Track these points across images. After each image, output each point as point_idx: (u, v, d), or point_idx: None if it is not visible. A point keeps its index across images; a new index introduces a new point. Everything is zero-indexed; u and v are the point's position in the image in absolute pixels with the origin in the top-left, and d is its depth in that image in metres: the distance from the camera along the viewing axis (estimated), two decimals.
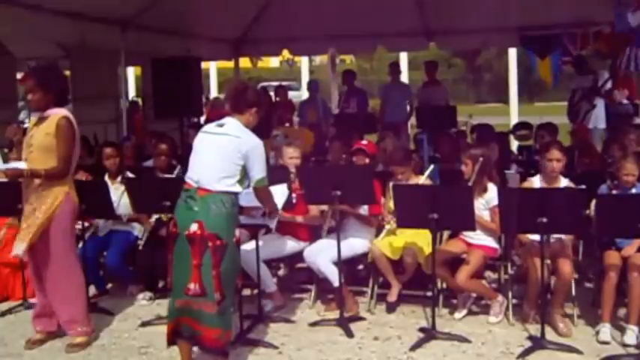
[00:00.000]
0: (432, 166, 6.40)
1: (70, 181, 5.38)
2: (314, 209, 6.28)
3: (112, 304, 6.35)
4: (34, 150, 5.27)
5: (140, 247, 6.30)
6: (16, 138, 5.39)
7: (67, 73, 11.82)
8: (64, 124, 5.26)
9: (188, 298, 4.68)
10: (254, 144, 4.82)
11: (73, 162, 5.36)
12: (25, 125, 5.58)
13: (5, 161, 6.13)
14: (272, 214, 5.37)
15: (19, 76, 14.02)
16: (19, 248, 5.26)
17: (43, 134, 5.26)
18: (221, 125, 4.90)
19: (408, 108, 11.91)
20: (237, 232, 4.84)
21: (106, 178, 6.64)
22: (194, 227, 4.67)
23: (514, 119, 16.09)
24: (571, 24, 11.27)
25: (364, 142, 7.38)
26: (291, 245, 6.27)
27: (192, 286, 4.66)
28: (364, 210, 6.24)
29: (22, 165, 5.26)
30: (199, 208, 4.69)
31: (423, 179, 6.16)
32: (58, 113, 5.31)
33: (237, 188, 4.79)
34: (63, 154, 5.26)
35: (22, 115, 5.13)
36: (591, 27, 11.14)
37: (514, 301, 5.90)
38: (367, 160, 6.82)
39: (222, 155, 4.75)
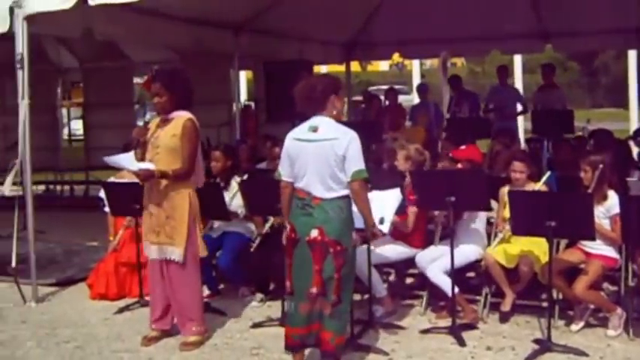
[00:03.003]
0: (548, 173, 6.24)
1: (194, 183, 5.56)
2: None
3: (225, 305, 6.48)
4: (161, 151, 5.46)
5: (252, 249, 6.41)
6: (142, 138, 5.59)
7: None
8: (190, 126, 5.44)
9: (310, 301, 4.75)
10: (349, 138, 4.70)
11: (197, 163, 5.54)
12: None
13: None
14: (366, 217, 4.90)
15: (136, 80, 14.63)
16: (177, 255, 5.42)
17: (169, 136, 5.45)
18: (314, 129, 4.79)
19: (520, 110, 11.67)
20: (354, 235, 4.86)
21: (218, 179, 6.78)
22: (314, 233, 4.70)
23: (634, 124, 15.50)
24: None
25: (463, 147, 7.26)
26: (402, 251, 6.24)
27: (314, 290, 4.72)
28: (480, 220, 6.15)
29: (151, 165, 5.46)
30: (318, 214, 4.72)
31: (539, 185, 6.02)
32: (183, 115, 5.49)
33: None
34: (188, 155, 5.43)
35: (147, 117, 5.36)
36: None
37: (635, 314, 5.70)
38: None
39: (325, 163, 4.70)
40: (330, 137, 4.72)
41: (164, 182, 5.44)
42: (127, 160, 5.52)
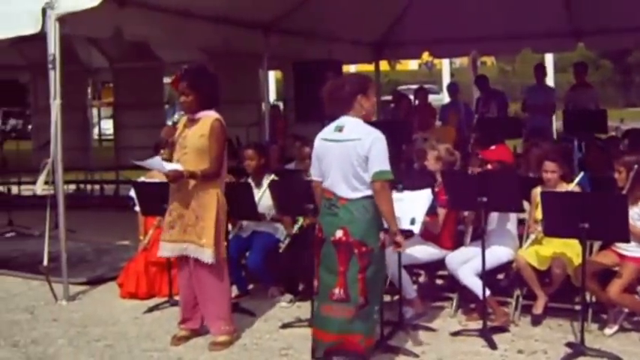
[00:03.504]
0: (582, 173, 6.17)
1: (222, 183, 5.57)
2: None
3: (254, 305, 6.50)
4: (189, 151, 5.48)
5: (281, 250, 6.41)
6: (171, 139, 5.62)
7: None
8: (217, 127, 5.45)
9: (332, 303, 4.74)
10: (373, 138, 4.69)
11: (224, 163, 5.55)
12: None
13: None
14: (388, 221, 4.80)
15: (166, 80, 14.71)
16: (208, 256, 5.41)
17: (197, 136, 5.46)
18: (340, 129, 4.80)
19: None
20: (382, 235, 4.84)
21: (250, 179, 6.80)
22: (339, 234, 4.70)
23: None
24: None
25: (492, 147, 7.22)
26: (432, 252, 6.21)
27: (336, 291, 4.72)
28: (511, 221, 6.09)
29: (179, 166, 5.48)
30: (343, 214, 4.72)
31: (572, 186, 5.96)
32: (210, 115, 5.50)
33: None
34: (216, 155, 5.44)
35: (176, 117, 5.32)
36: None
37: None
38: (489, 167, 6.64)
39: (349, 163, 4.71)
40: (353, 137, 4.73)
41: (192, 183, 5.45)
42: (156, 162, 5.55)
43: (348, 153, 4.71)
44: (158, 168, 5.56)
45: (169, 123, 5.69)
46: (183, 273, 5.67)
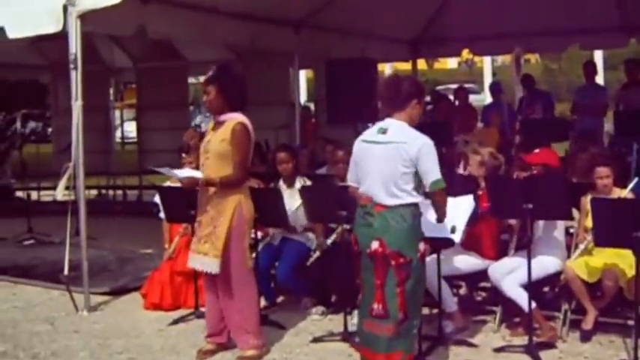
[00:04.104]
0: (636, 179, 6.08)
1: (245, 189, 5.57)
2: None
3: (283, 318, 6.49)
4: (210, 156, 5.50)
5: (313, 260, 6.38)
6: (192, 142, 5.65)
7: None
8: (239, 130, 5.43)
9: (372, 319, 4.72)
10: (421, 144, 4.68)
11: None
12: (203, 129, 5.84)
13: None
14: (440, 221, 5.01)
15: (190, 80, 14.80)
16: (212, 266, 5.44)
17: (218, 140, 5.47)
18: (383, 131, 4.80)
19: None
20: (422, 245, 4.80)
21: (281, 184, 6.82)
22: (375, 245, 4.68)
23: None
24: None
25: (537, 150, 7.13)
26: (474, 262, 6.15)
27: (375, 306, 4.70)
28: (559, 229, 6.02)
29: (197, 173, 5.49)
30: (378, 224, 4.70)
31: (625, 193, 5.87)
32: (234, 118, 5.49)
33: (415, 198, 4.74)
34: (238, 161, 5.42)
35: (198, 119, 5.34)
36: None
37: None
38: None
39: (390, 167, 4.69)
40: (398, 140, 4.71)
41: (212, 189, 5.45)
42: (170, 169, 5.58)
43: (391, 156, 4.70)
44: (172, 175, 5.60)
45: (195, 123, 5.71)
46: (209, 284, 5.68)
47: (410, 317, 4.73)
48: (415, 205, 4.74)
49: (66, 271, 6.85)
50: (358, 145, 4.94)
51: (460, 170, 7.23)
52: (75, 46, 6.84)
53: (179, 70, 14.35)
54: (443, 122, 11.02)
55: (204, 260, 5.49)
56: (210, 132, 5.62)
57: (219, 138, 5.47)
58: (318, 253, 6.35)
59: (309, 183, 6.82)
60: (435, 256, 5.70)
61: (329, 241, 6.29)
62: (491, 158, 6.34)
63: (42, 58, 13.79)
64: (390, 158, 4.70)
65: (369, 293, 4.75)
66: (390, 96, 4.87)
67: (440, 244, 5.66)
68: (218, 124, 5.56)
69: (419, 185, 4.75)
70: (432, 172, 4.69)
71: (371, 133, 4.91)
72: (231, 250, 5.45)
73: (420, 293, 4.85)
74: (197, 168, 5.81)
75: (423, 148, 4.68)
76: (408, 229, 4.70)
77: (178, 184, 6.62)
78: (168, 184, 7.10)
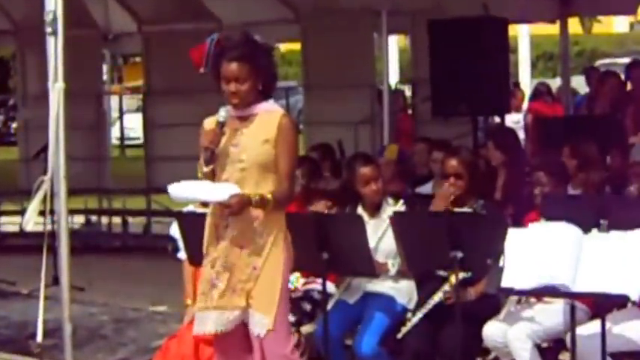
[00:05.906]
0: None
1: (284, 215, 5.60)
2: None
3: None
4: (248, 166, 5.49)
5: (411, 326, 6.39)
6: (213, 146, 5.63)
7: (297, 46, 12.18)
8: (288, 127, 5.52)
9: None
10: None
11: None
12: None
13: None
14: None
15: None
16: (261, 327, 5.47)
17: (258, 142, 5.47)
18: None
19: None
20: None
21: (360, 210, 6.82)
22: None
23: None
24: None
25: None
26: None
27: None
28: None
29: (236, 188, 5.47)
30: None
31: None
32: (274, 110, 5.58)
33: None
34: (288, 170, 5.50)
35: (223, 112, 5.16)
36: None
37: None
38: None
39: None
40: None
41: (255, 214, 5.47)
42: (203, 187, 5.54)
43: None
44: (210, 197, 5.56)
45: (219, 119, 5.65)
46: (230, 353, 5.71)
47: None
48: None
49: (39, 338, 6.91)
50: None
51: (634, 189, 7.13)
52: (54, 1, 6.89)
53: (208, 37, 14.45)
54: (608, 115, 10.85)
55: (239, 318, 5.50)
56: (231, 131, 5.59)
57: (260, 138, 5.48)
58: (419, 316, 6.34)
59: (403, 208, 6.80)
60: (598, 322, 5.64)
61: (436, 298, 6.28)
62: None
63: (3, 20, 14.00)
64: None
65: None
66: None
67: (608, 304, 5.58)
68: (244, 120, 5.58)
69: None
70: None
71: None
72: (281, 303, 5.50)
73: None
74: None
75: None
76: None
77: (205, 209, 6.65)
78: (190, 208, 7.13)
